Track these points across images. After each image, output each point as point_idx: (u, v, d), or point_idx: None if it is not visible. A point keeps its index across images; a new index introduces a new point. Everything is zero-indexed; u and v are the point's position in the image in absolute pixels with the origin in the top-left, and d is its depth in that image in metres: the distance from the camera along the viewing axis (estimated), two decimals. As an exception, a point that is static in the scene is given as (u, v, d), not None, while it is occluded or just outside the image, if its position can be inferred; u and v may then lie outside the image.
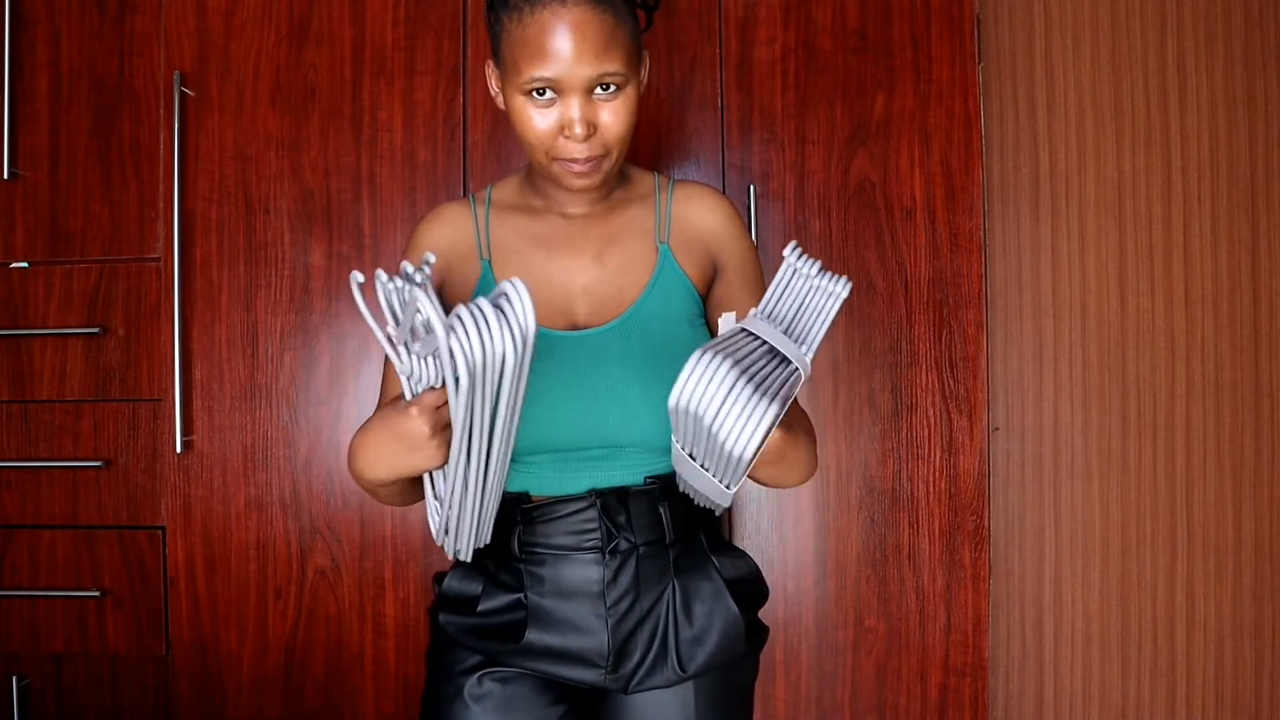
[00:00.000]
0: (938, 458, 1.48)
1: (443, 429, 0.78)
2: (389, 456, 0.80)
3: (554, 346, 0.93)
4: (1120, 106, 1.80)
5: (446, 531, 0.87)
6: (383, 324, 0.77)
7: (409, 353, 0.76)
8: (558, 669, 0.95)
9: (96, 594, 1.52)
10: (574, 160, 0.89)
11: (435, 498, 0.87)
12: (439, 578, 1.03)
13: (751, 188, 1.49)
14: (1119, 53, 1.80)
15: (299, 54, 1.52)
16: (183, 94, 1.51)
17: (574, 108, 0.86)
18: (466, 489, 0.80)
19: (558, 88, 0.86)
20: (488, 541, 0.91)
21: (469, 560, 0.92)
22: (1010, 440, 1.83)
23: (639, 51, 0.92)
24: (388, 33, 1.51)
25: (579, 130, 0.86)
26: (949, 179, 1.48)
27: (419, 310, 0.69)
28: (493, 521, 0.89)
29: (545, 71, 0.85)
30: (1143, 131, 1.80)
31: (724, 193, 1.08)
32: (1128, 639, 1.80)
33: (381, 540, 1.50)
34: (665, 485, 0.96)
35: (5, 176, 1.53)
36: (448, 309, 0.97)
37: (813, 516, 1.51)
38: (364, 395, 1.50)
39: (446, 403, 0.77)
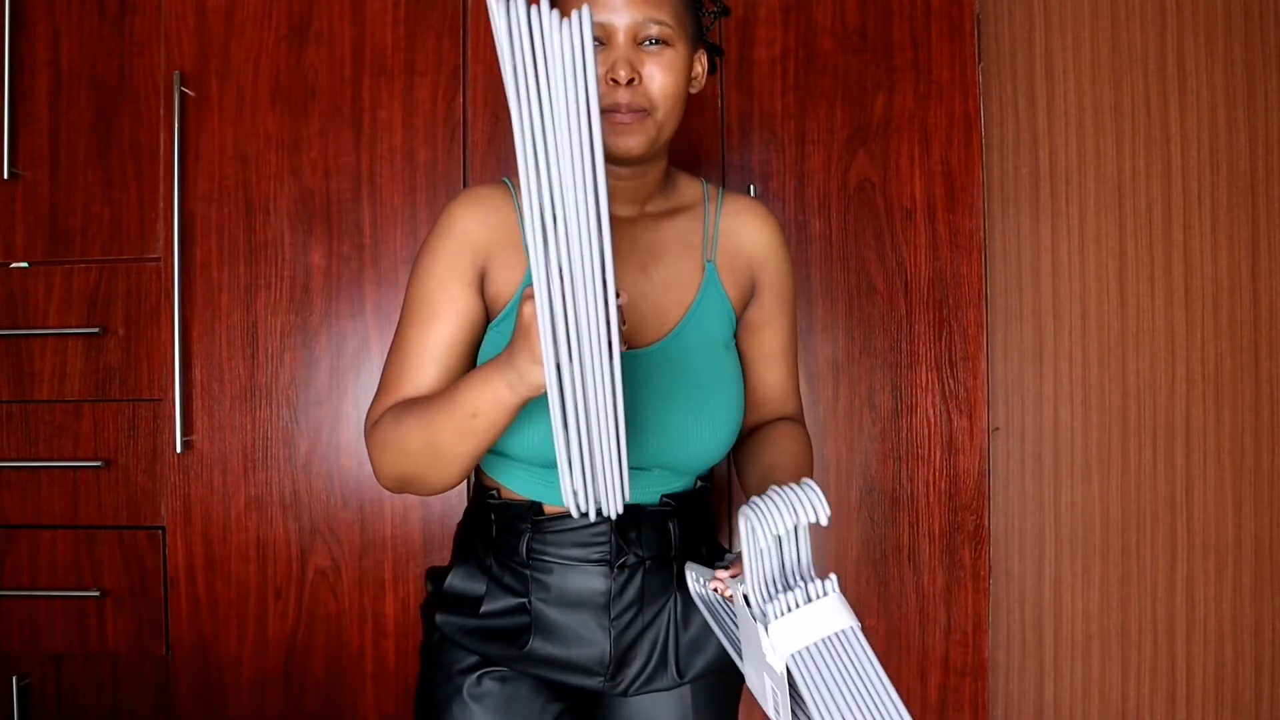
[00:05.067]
0: (938, 458, 1.48)
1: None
2: (508, 365, 0.75)
3: None
4: (1120, 106, 1.80)
5: (585, 481, 0.79)
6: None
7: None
8: (558, 675, 0.95)
9: (96, 594, 1.52)
10: (617, 110, 0.87)
11: (566, 437, 0.78)
12: (433, 575, 1.02)
13: (751, 188, 1.49)
14: (1119, 53, 1.80)
15: (299, 54, 1.52)
16: (183, 94, 1.51)
17: (619, 49, 0.86)
18: (587, 391, 0.72)
19: (605, 34, 0.87)
20: (628, 499, 0.82)
21: (614, 516, 0.83)
22: (1010, 440, 1.83)
23: (693, 29, 0.92)
24: (388, 33, 1.51)
25: (622, 72, 0.86)
26: (949, 179, 1.48)
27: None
28: (614, 474, 0.79)
29: (594, 16, 0.85)
30: (1143, 131, 1.80)
31: (767, 207, 1.07)
32: (1128, 639, 1.80)
33: (381, 540, 1.50)
34: (678, 504, 0.96)
35: (5, 176, 1.53)
36: (487, 307, 0.93)
37: (813, 516, 1.51)
38: (364, 395, 1.50)
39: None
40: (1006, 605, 1.82)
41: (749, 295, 1.02)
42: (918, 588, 1.48)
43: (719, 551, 1.04)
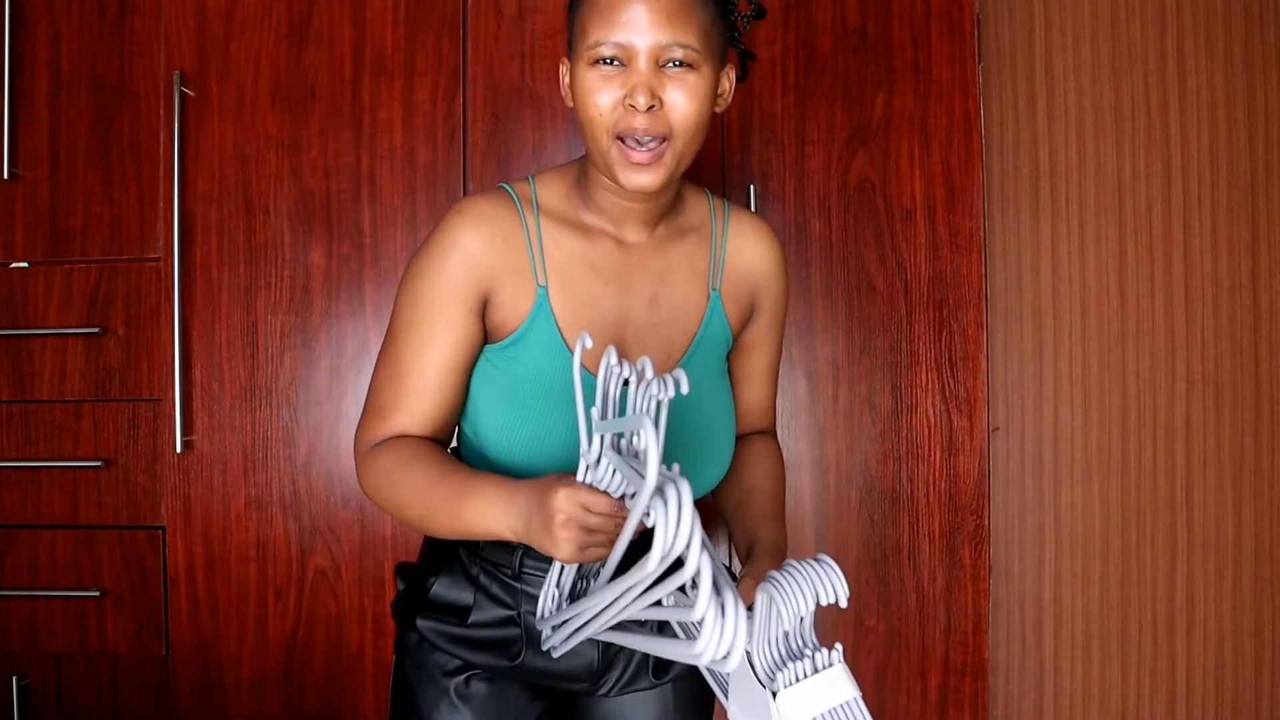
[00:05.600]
0: (938, 458, 1.48)
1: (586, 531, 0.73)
2: (519, 520, 0.76)
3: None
4: (1120, 106, 1.80)
5: (554, 628, 0.86)
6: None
7: (599, 450, 0.74)
8: (542, 682, 0.96)
9: (96, 594, 1.51)
10: (635, 133, 0.82)
11: (556, 586, 0.86)
12: (404, 573, 1.02)
13: (751, 188, 1.49)
14: (1119, 53, 1.80)
15: (299, 54, 1.52)
16: (183, 94, 1.51)
17: (639, 72, 0.81)
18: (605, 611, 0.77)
19: (625, 55, 0.81)
20: (569, 647, 0.88)
21: (556, 658, 0.89)
22: (1010, 440, 1.83)
23: (721, 47, 0.87)
24: (388, 33, 1.51)
25: (641, 99, 0.80)
26: (949, 179, 1.48)
27: (636, 440, 0.69)
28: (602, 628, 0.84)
29: (614, 35, 0.81)
30: (1143, 131, 1.80)
31: (771, 228, 1.06)
32: (1128, 639, 1.80)
33: (381, 540, 1.50)
34: None
35: (5, 176, 1.53)
36: (490, 331, 0.91)
37: (813, 516, 1.51)
38: (364, 395, 1.50)
39: (613, 515, 0.73)
40: (1006, 605, 1.82)
41: (747, 318, 1.02)
42: (918, 588, 1.48)
43: None
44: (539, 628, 0.88)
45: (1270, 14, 1.77)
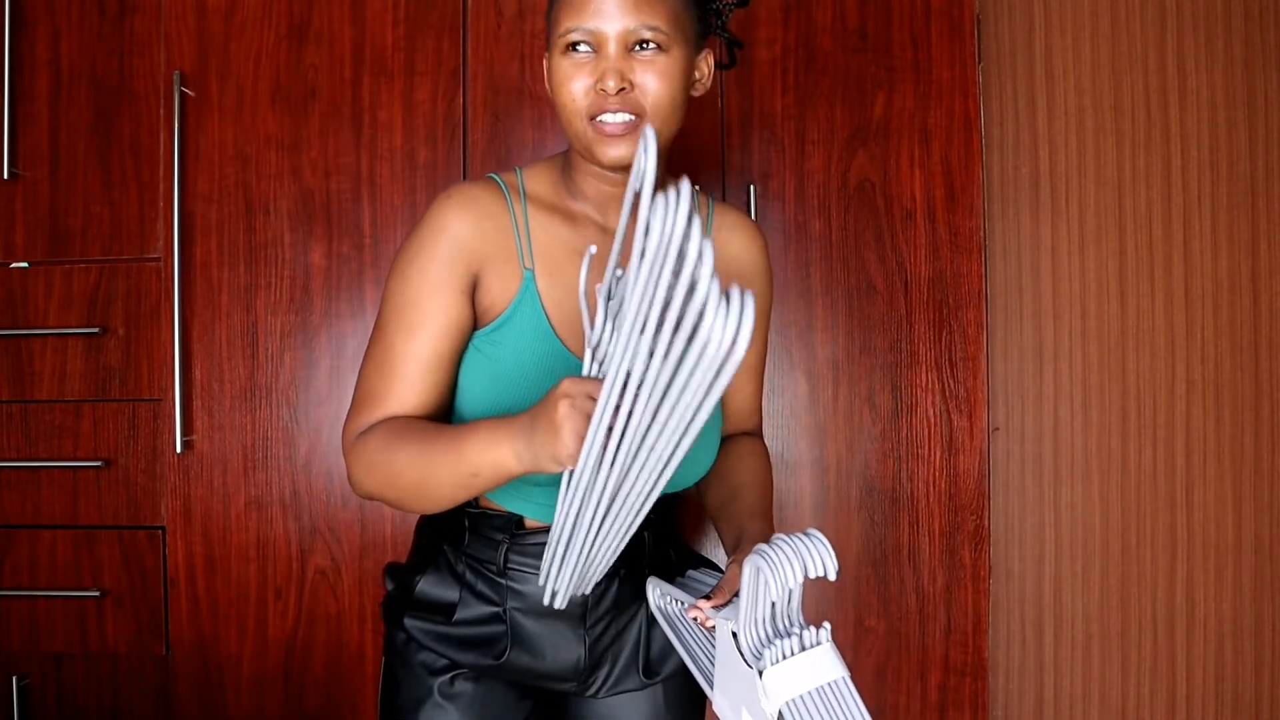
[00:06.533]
0: (938, 458, 1.48)
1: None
2: (521, 435, 0.73)
3: None
4: (1120, 106, 1.80)
5: (570, 579, 0.82)
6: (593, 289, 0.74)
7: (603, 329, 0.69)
8: (530, 681, 0.96)
9: (96, 594, 1.51)
10: (607, 114, 0.84)
11: (569, 540, 0.82)
12: (393, 573, 1.01)
13: (751, 188, 1.49)
14: (1119, 53, 1.80)
15: (299, 54, 1.52)
16: (183, 94, 1.51)
17: (609, 58, 0.83)
18: (583, 518, 0.73)
19: (595, 41, 0.84)
20: (586, 593, 0.86)
21: (562, 607, 0.86)
22: (1010, 440, 1.83)
23: (694, 30, 0.89)
24: (388, 33, 1.51)
25: (611, 82, 0.82)
26: (949, 179, 1.48)
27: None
28: (601, 571, 0.81)
29: (584, 22, 0.83)
30: (1143, 131, 1.80)
31: (755, 220, 1.06)
32: (1128, 639, 1.80)
33: (381, 540, 1.50)
34: (651, 515, 0.97)
35: (5, 176, 1.53)
36: (478, 315, 0.90)
37: (813, 516, 1.51)
38: (364, 395, 1.50)
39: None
40: (1006, 605, 1.82)
41: None
42: (918, 588, 1.48)
43: (685, 555, 1.04)
44: (544, 595, 0.86)
45: (1270, 14, 1.77)
